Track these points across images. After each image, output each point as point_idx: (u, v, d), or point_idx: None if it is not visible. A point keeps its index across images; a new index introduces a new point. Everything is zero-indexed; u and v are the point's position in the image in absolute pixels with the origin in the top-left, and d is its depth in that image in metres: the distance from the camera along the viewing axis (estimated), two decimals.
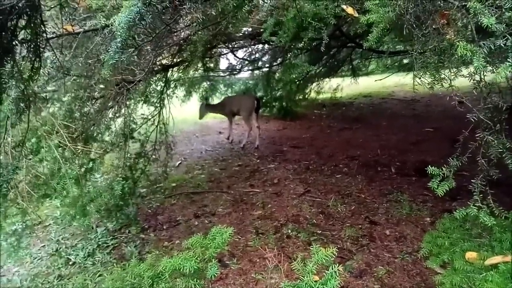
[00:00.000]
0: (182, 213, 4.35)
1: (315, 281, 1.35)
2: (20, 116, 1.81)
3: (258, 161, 6.01)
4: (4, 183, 1.75)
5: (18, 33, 1.69)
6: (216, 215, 4.23)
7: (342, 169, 5.33)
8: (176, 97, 6.20)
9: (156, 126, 4.12)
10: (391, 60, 14.02)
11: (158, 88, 4.48)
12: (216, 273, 1.48)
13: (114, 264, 3.47)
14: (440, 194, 1.65)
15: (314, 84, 9.75)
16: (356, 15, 2.26)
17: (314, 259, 1.40)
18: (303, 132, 7.79)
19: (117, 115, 3.41)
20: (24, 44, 1.79)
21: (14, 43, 1.67)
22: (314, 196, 4.48)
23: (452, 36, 1.64)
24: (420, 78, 2.20)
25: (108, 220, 4.03)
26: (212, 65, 7.22)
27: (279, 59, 8.46)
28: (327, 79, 9.88)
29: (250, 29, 5.54)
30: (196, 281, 1.45)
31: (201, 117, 7.36)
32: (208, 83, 8.47)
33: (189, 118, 8.30)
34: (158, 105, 4.16)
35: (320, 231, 3.68)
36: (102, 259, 3.57)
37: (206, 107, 7.35)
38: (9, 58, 1.66)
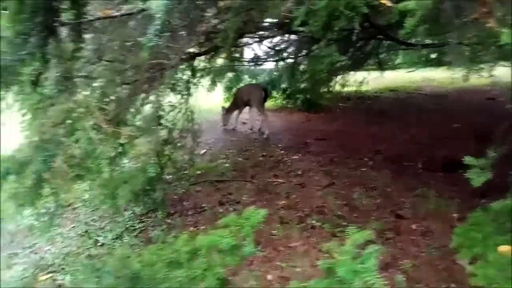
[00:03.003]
0: (207, 200, 4.41)
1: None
2: (60, 96, 1.86)
3: (282, 152, 6.01)
4: (50, 157, 1.82)
5: (61, 14, 1.74)
6: (241, 203, 4.27)
7: (367, 163, 5.28)
8: (202, 86, 6.24)
9: (184, 114, 4.16)
10: (418, 54, 13.75)
11: (185, 76, 4.51)
12: (252, 251, 1.51)
13: (142, 247, 3.56)
14: (475, 186, 1.61)
15: (339, 77, 9.64)
16: (390, 4, 2.23)
17: (352, 240, 1.40)
18: (327, 125, 7.73)
19: (145, 101, 3.47)
20: (65, 26, 1.83)
21: (57, 24, 1.71)
22: (338, 189, 4.47)
23: (494, 25, 1.59)
24: (455, 70, 2.14)
25: (135, 204, 4.12)
26: (237, 55, 7.25)
27: (304, 50, 8.42)
28: (352, 72, 9.75)
29: (277, 20, 5.53)
30: (233, 258, 1.48)
31: (225, 123, 7.53)
32: (233, 73, 8.52)
33: (214, 108, 8.34)
34: (186, 93, 4.20)
35: (345, 223, 3.66)
36: (130, 242, 3.65)
37: (227, 112, 7.52)
38: (52, 39, 1.70)
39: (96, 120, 2.24)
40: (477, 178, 1.61)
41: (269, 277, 2.99)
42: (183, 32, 2.39)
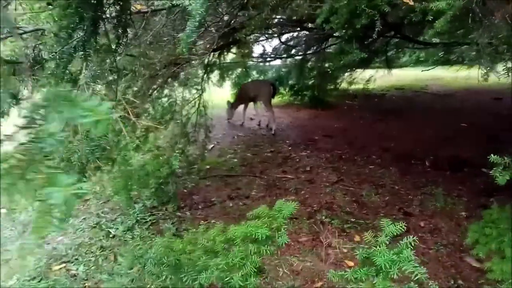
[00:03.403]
0: (216, 195, 4.46)
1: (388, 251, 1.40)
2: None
3: (290, 148, 6.05)
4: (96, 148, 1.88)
5: (106, 8, 1.78)
6: (250, 198, 4.32)
7: (375, 160, 5.32)
8: (211, 82, 6.29)
9: (197, 109, 4.21)
10: (426, 53, 13.73)
11: (200, 72, 4.55)
12: (286, 241, 1.56)
13: (153, 239, 3.62)
14: (501, 183, 1.65)
15: (347, 74, 9.65)
16: (411, 3, 2.26)
17: (386, 231, 1.45)
18: (335, 122, 7.77)
19: (161, 94, 3.52)
20: (109, 20, 1.87)
21: (103, 17, 1.75)
22: (347, 185, 4.51)
23: None
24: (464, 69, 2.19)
25: (146, 197, 4.18)
26: (247, 51, 7.29)
27: (313, 47, 8.46)
28: (360, 70, 9.76)
29: (285, 17, 5.56)
30: (267, 247, 1.53)
31: (230, 117, 7.64)
32: (242, 69, 8.57)
33: (221, 103, 8.38)
34: (200, 88, 4.24)
35: (354, 219, 3.71)
36: (141, 234, 3.71)
37: (232, 107, 7.65)
38: (98, 32, 1.74)
39: (124, 111, 2.29)
40: (501, 176, 1.64)
41: (280, 270, 3.04)
42: (212, 28, 2.43)
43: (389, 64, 9.81)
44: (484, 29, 1.84)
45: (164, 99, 3.38)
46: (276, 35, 7.11)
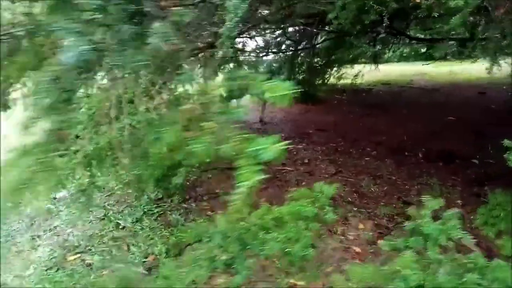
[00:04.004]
0: (219, 186, 4.56)
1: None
2: None
3: (285, 141, 6.17)
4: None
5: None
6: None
7: (370, 153, 5.50)
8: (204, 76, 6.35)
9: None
10: (411, 48, 14.05)
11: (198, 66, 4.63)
12: (333, 218, 1.69)
13: (162, 230, 3.71)
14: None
15: (334, 69, 9.83)
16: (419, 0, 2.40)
17: (429, 206, 1.59)
18: (326, 117, 7.94)
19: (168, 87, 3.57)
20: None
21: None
22: (346, 176, 4.67)
23: None
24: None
25: (152, 189, 4.24)
26: (239, 46, 7.36)
27: (303, 43, 8.62)
28: (348, 65, 9.95)
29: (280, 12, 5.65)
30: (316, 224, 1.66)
31: None
32: (234, 64, 8.62)
33: None
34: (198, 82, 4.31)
35: (356, 209, 3.87)
36: (150, 225, 3.78)
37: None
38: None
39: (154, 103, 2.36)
40: None
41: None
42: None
43: (376, 59, 10.05)
44: (492, 25, 1.99)
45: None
46: (266, 30, 7.20)
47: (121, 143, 2.49)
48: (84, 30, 1.43)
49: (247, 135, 1.30)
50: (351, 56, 9.41)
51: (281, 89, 1.06)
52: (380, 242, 3.47)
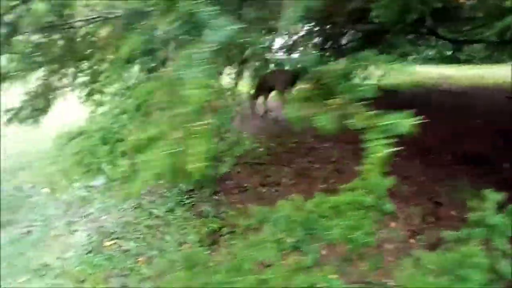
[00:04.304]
0: (248, 181, 4.63)
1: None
2: None
3: (312, 139, 6.20)
4: None
5: None
6: (282, 185, 4.48)
7: (397, 152, 5.47)
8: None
9: (233, 99, 4.37)
10: (436, 50, 13.89)
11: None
12: (392, 209, 1.74)
13: (194, 220, 3.79)
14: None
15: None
16: (463, 0, 2.41)
17: (490, 199, 1.61)
18: None
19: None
20: None
21: None
22: None
23: None
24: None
25: (184, 181, 4.33)
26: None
27: (329, 42, 8.64)
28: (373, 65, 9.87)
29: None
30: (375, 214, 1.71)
31: (253, 111, 7.74)
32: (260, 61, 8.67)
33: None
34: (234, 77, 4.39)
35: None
36: (183, 215, 3.87)
37: (252, 98, 7.73)
38: None
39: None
40: None
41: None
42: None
43: (401, 60, 9.96)
44: None
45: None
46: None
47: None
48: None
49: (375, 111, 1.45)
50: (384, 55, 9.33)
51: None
52: (411, 240, 3.52)
